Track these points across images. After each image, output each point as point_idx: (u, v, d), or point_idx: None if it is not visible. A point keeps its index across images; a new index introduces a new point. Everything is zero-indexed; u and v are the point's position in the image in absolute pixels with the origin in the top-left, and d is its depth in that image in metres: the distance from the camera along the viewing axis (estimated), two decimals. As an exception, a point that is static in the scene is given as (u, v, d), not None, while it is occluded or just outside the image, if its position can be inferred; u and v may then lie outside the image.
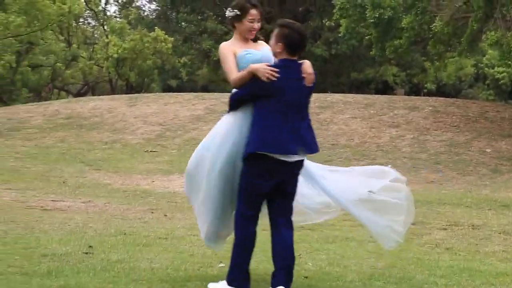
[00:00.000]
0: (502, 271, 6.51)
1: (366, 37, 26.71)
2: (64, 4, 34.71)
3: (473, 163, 17.17)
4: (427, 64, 37.57)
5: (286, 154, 5.10)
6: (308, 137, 5.23)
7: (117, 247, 6.80)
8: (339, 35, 29.93)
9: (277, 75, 5.06)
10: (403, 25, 22.88)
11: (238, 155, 5.22)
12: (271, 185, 5.15)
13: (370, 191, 5.56)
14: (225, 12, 5.57)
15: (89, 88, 46.35)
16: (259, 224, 5.29)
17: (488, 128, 19.94)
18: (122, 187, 12.97)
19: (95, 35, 50.19)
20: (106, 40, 41.22)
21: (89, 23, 51.53)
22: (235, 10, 5.43)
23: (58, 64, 42.28)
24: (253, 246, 5.24)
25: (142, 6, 60.83)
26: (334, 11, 26.36)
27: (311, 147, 5.24)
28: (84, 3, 44.16)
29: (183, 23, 41.81)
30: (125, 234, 7.62)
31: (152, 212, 9.75)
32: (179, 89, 41.38)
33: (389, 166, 6.03)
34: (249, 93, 5.17)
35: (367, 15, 23.70)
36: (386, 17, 23.24)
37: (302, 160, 5.26)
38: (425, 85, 47.55)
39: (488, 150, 18.11)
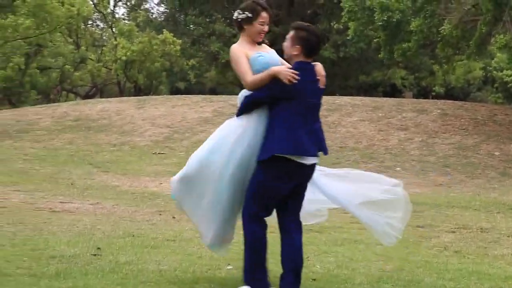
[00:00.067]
0: (511, 274, 6.49)
1: (375, 40, 26.64)
2: (73, 6, 34.78)
3: (481, 166, 17.13)
4: (435, 67, 37.48)
5: (308, 157, 5.10)
6: (323, 138, 5.28)
7: (125, 249, 6.81)
8: (348, 38, 29.85)
9: (297, 77, 5.05)
10: (412, 28, 22.84)
11: (252, 157, 5.18)
12: (290, 188, 5.15)
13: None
14: (234, 14, 5.52)
15: (98, 90, 46.45)
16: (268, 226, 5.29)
17: (496, 131, 19.89)
18: (130, 189, 12.97)
19: (104, 38, 50.31)
20: (115, 43, 41.33)
21: (97, 26, 51.70)
22: (246, 13, 5.37)
23: (66, 66, 42.38)
24: (266, 245, 5.22)
25: (150, 8, 61.19)
26: (343, 14, 26.31)
27: (326, 149, 5.30)
28: (93, 5, 44.32)
29: (191, 26, 41.87)
30: (133, 236, 7.62)
31: (160, 214, 9.75)
32: (187, 91, 41.38)
33: (397, 169, 6.05)
34: (268, 95, 5.13)
35: (375, 18, 23.65)
36: (395, 20, 23.19)
37: (316, 163, 5.27)
38: (434, 88, 47.43)
39: (497, 153, 18.06)
